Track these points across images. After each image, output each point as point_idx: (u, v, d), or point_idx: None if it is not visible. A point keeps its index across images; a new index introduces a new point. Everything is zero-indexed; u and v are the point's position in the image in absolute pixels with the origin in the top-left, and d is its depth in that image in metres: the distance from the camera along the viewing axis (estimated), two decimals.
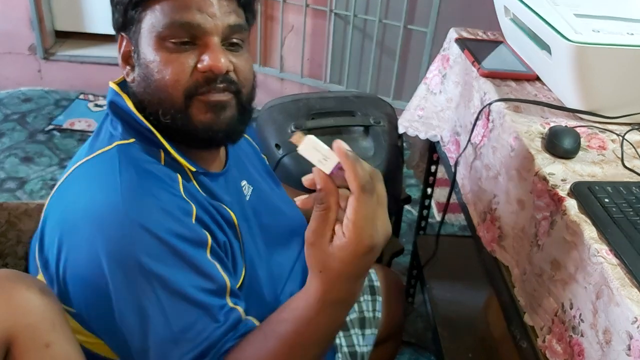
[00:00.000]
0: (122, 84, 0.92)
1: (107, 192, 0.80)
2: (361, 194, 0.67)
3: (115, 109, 0.88)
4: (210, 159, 0.95)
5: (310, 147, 0.69)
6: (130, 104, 0.87)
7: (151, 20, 0.83)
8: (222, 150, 1.00)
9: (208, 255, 0.83)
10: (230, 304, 0.83)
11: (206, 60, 0.83)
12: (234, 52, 0.87)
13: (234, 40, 0.87)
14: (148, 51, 0.84)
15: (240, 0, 0.88)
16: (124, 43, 0.89)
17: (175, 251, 0.79)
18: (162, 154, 0.86)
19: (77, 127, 2.97)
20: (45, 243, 0.85)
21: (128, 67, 0.89)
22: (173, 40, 0.83)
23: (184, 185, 0.85)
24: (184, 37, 0.83)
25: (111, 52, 3.30)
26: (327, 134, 1.70)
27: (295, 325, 0.78)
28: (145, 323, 0.78)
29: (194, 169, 0.89)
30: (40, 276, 0.87)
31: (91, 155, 0.85)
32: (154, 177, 0.83)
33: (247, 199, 1.02)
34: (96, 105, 3.20)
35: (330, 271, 0.72)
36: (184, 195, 0.84)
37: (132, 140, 0.86)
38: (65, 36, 3.40)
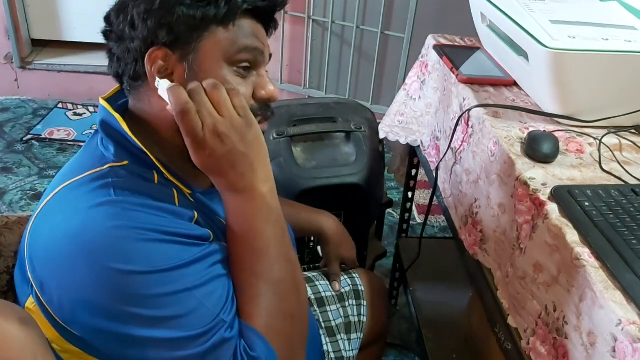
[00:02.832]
0: (111, 100, 0.91)
1: (103, 214, 0.78)
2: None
3: (108, 129, 0.87)
4: (204, 176, 0.96)
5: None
6: (124, 125, 0.85)
7: (219, 44, 0.85)
8: None
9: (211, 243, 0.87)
10: None
11: (269, 89, 0.89)
12: None
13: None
14: (215, 73, 0.85)
15: (268, 34, 0.93)
16: (160, 57, 0.84)
17: (183, 246, 0.81)
18: (156, 175, 0.86)
19: (56, 136, 2.95)
20: (37, 265, 0.82)
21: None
22: (239, 66, 0.86)
23: (179, 198, 0.86)
24: (249, 62, 0.87)
25: (89, 60, 3.28)
26: (309, 140, 1.71)
27: (230, 231, 0.88)
28: (182, 329, 0.79)
29: (189, 191, 0.89)
30: (31, 299, 0.85)
31: (82, 175, 0.83)
32: (150, 197, 0.82)
33: None
34: (75, 114, 3.17)
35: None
36: (179, 206, 0.85)
37: (125, 162, 0.84)
38: (42, 45, 3.38)
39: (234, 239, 0.88)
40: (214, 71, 0.85)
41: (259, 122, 0.88)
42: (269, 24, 0.93)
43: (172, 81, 0.85)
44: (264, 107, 0.90)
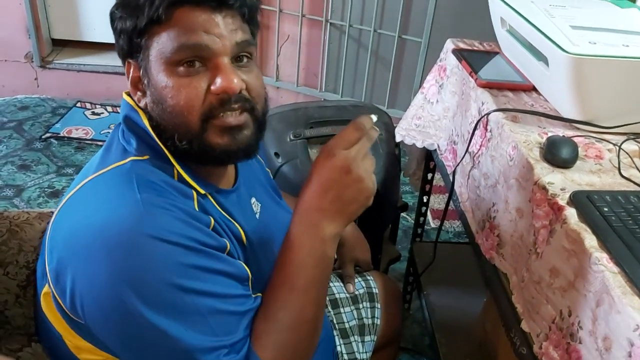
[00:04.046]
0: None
1: (125, 208, 0.79)
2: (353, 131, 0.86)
3: (130, 124, 0.88)
4: (223, 175, 0.96)
5: None
6: (145, 121, 0.87)
7: (158, 47, 0.83)
8: (232, 166, 1.00)
9: (227, 255, 0.86)
10: (253, 294, 0.89)
11: (219, 81, 0.83)
12: (244, 69, 0.87)
13: (243, 57, 0.88)
14: (159, 77, 0.84)
15: (245, 16, 0.88)
16: (132, 69, 0.88)
17: (203, 257, 0.81)
18: (176, 171, 0.87)
19: (74, 135, 2.97)
20: (55, 256, 0.83)
21: (139, 93, 0.88)
22: (183, 65, 0.83)
23: (199, 201, 0.87)
24: (193, 59, 0.83)
25: (108, 60, 3.32)
26: (325, 142, 1.71)
27: (283, 256, 0.89)
28: (185, 339, 0.79)
29: (203, 192, 0.89)
30: (46, 287, 0.87)
31: (104, 170, 0.85)
32: (170, 193, 0.83)
33: (258, 216, 1.03)
34: (93, 113, 3.20)
35: (308, 180, 0.87)
36: (198, 210, 0.85)
37: (146, 157, 0.86)
38: (62, 44, 3.41)
39: (280, 267, 0.89)
40: (158, 75, 0.84)
41: (226, 117, 0.85)
42: (227, 7, 0.85)
43: (140, 89, 0.88)
44: (226, 102, 0.84)
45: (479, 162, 1.27)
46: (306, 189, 0.87)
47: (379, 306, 1.36)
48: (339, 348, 1.24)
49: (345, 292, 1.33)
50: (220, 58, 0.84)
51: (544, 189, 0.99)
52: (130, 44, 0.86)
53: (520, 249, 1.06)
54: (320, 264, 0.88)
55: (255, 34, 0.93)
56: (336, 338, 1.25)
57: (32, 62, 3.28)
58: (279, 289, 0.88)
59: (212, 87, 0.83)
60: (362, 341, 1.29)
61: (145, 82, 0.86)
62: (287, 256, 0.88)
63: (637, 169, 1.06)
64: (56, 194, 2.53)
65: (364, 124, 0.86)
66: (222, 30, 0.84)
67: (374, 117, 0.91)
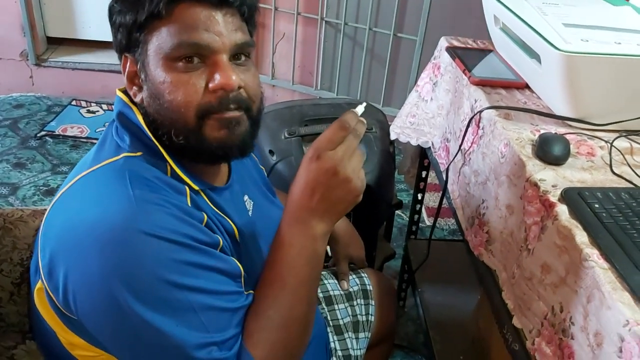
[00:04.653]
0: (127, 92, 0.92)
1: (118, 204, 0.79)
2: (338, 130, 0.84)
3: (124, 120, 0.88)
4: (216, 173, 0.97)
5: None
6: (139, 117, 0.87)
7: (158, 42, 0.83)
8: (226, 163, 1.00)
9: (219, 252, 0.86)
10: (245, 292, 0.89)
11: (217, 78, 0.83)
12: (242, 67, 0.87)
13: (241, 56, 0.88)
14: (157, 73, 0.84)
15: (244, 15, 0.89)
16: (128, 64, 0.88)
17: (196, 253, 0.81)
18: (169, 168, 0.87)
19: (69, 133, 2.97)
20: (47, 252, 0.83)
21: (135, 88, 0.88)
22: (182, 61, 0.83)
23: (191, 197, 0.87)
24: (192, 56, 0.83)
25: (103, 58, 3.32)
26: None
27: (273, 254, 0.89)
28: (177, 335, 0.79)
29: (196, 188, 0.89)
30: (39, 283, 0.87)
31: (97, 166, 0.85)
32: (162, 189, 0.83)
33: (250, 214, 1.03)
34: (88, 111, 3.20)
35: (295, 181, 0.87)
36: (191, 206, 0.85)
37: (139, 153, 0.86)
38: (57, 42, 3.41)
39: (270, 265, 0.89)
40: (156, 70, 0.84)
41: (223, 112, 0.85)
42: (227, 5, 0.85)
43: (136, 84, 0.88)
44: (224, 99, 0.85)
45: (470, 159, 1.28)
46: (294, 188, 0.87)
47: (373, 303, 1.36)
48: (332, 344, 1.24)
49: (340, 289, 1.34)
50: (219, 55, 0.84)
51: (535, 185, 1.00)
52: (129, 38, 0.86)
53: (510, 246, 1.07)
54: (310, 262, 0.88)
55: (253, 34, 0.93)
56: (330, 334, 1.25)
57: (27, 60, 3.27)
58: (270, 286, 0.88)
59: (210, 84, 0.84)
60: (356, 338, 1.30)
61: (143, 77, 0.86)
62: (277, 254, 0.88)
63: (629, 165, 1.06)
64: (51, 192, 2.52)
65: (349, 121, 0.85)
66: (222, 29, 0.84)
67: (361, 109, 0.90)
